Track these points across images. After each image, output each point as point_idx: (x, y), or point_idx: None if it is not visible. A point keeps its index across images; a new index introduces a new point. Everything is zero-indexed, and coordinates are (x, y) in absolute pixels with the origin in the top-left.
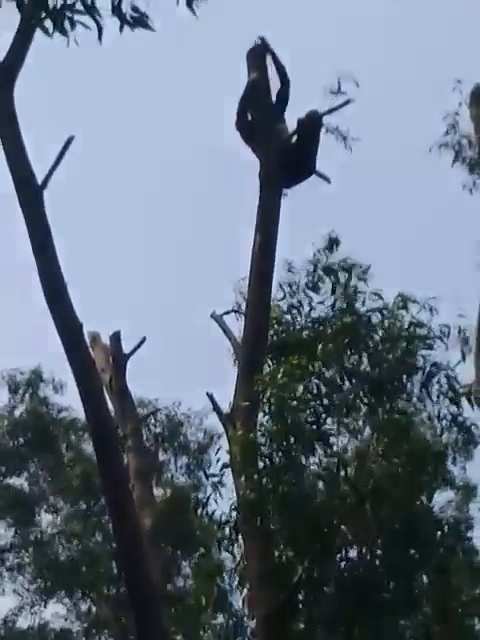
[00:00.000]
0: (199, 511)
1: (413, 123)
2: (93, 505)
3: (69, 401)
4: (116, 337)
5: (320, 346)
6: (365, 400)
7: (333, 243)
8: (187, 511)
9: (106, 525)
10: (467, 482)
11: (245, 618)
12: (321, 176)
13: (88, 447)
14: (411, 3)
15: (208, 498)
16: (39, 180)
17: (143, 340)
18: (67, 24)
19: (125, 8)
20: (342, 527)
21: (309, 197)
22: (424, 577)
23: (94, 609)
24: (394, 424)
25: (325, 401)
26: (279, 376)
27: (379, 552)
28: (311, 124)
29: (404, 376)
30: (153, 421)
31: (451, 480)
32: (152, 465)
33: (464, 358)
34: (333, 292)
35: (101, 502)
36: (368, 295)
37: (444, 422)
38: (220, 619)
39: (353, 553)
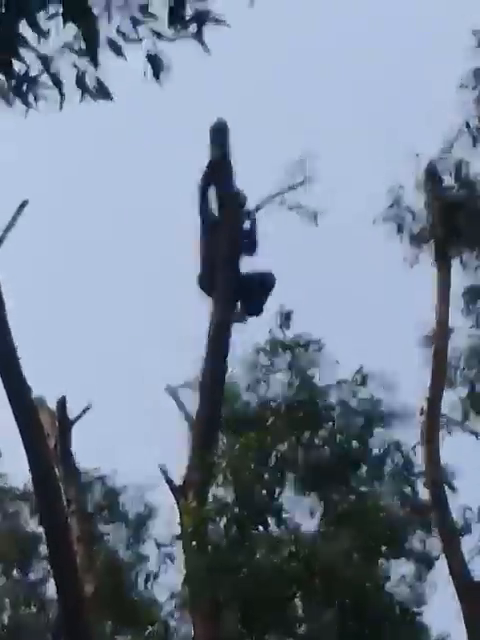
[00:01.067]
0: (147, 583)
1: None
2: (27, 574)
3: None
4: (62, 403)
5: (272, 420)
6: (319, 479)
7: (286, 318)
8: (123, 583)
9: (42, 595)
10: (426, 554)
11: None
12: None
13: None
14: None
15: (157, 571)
16: None
17: (88, 407)
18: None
19: (89, 81)
20: (294, 601)
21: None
22: None
23: None
24: (347, 508)
25: (279, 475)
26: (234, 449)
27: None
28: None
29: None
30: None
31: (408, 552)
32: (93, 532)
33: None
34: (290, 368)
35: (37, 571)
36: (320, 372)
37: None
38: None
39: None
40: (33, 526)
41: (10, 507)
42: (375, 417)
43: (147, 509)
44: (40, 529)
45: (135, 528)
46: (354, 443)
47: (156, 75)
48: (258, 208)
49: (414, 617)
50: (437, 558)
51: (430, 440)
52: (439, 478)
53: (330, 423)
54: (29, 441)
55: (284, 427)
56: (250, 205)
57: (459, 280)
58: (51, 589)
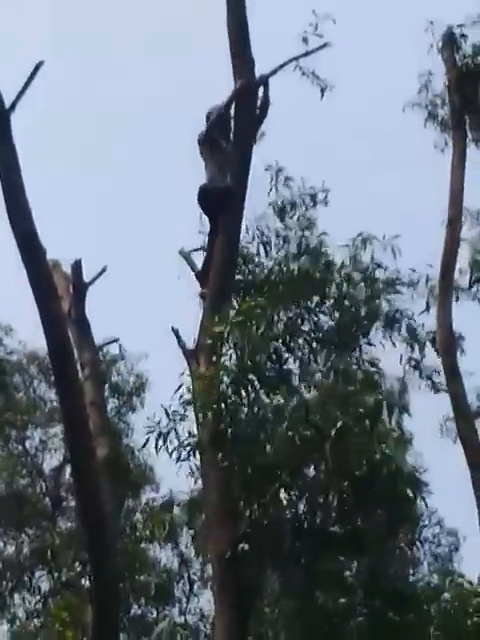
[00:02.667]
0: (158, 445)
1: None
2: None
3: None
4: (77, 266)
5: (280, 286)
6: (327, 345)
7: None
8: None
9: (37, 464)
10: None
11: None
12: None
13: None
14: None
15: (169, 432)
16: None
17: (104, 269)
18: None
19: None
20: (301, 470)
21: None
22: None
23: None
24: (355, 375)
25: (287, 341)
26: (239, 315)
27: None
28: None
29: (365, 321)
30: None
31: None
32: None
33: (428, 308)
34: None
35: (33, 441)
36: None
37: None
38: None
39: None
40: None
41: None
42: (382, 282)
43: (139, 379)
44: (37, 399)
45: (128, 396)
46: (362, 310)
47: None
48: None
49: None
50: None
51: (442, 306)
52: (452, 347)
53: (337, 288)
54: (43, 304)
55: (291, 293)
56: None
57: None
58: (48, 460)
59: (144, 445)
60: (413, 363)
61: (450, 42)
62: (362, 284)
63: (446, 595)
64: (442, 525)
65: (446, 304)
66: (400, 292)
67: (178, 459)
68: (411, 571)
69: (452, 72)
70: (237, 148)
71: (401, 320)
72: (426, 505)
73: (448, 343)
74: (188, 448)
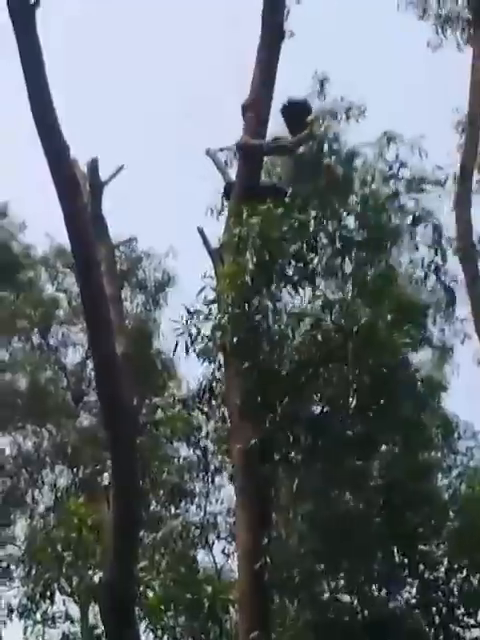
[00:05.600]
0: (186, 349)
1: None
2: (49, 339)
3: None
4: (94, 164)
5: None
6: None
7: (322, 83)
8: (148, 346)
9: (60, 360)
10: (444, 343)
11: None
12: None
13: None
14: None
15: (197, 334)
16: None
17: (121, 168)
18: None
19: None
20: (321, 369)
21: None
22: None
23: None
24: (377, 279)
25: (311, 241)
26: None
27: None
28: None
29: (391, 222)
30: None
31: (429, 339)
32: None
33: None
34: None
35: (58, 337)
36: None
37: (427, 272)
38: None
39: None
40: (51, 290)
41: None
42: (407, 180)
43: (166, 275)
44: (59, 293)
45: (154, 294)
46: (383, 216)
47: None
48: None
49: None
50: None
51: (461, 206)
52: (470, 247)
53: (361, 185)
54: (66, 200)
55: (316, 191)
56: None
57: None
58: (70, 355)
59: (174, 350)
60: (433, 266)
61: None
62: (387, 182)
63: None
64: (477, 438)
65: (464, 207)
66: (425, 190)
67: (204, 360)
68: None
69: None
70: (265, 48)
71: (428, 220)
72: (438, 407)
73: (466, 249)
74: (212, 347)
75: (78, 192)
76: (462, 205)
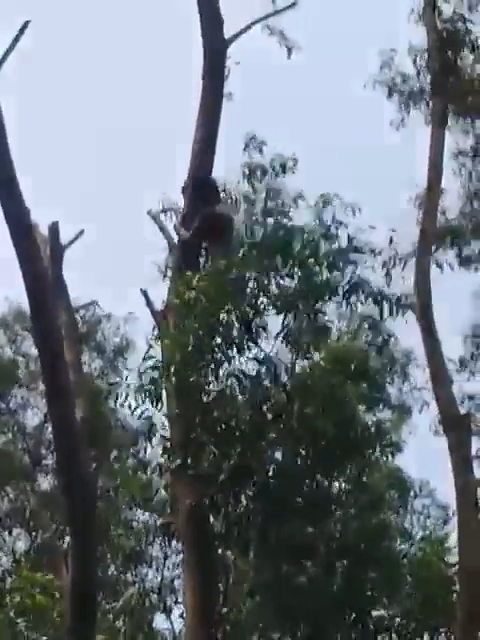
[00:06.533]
0: (122, 404)
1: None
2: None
3: None
4: (54, 228)
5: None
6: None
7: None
8: (105, 410)
9: (19, 423)
10: (402, 403)
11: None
12: None
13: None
14: None
15: (138, 391)
16: None
17: (81, 232)
18: None
19: None
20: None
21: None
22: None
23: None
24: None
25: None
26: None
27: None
28: None
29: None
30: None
31: (386, 400)
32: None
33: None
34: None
35: (16, 399)
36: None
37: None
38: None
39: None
40: (9, 353)
41: None
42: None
43: (124, 340)
44: (18, 357)
45: (112, 358)
46: (325, 273)
47: None
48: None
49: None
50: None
51: (421, 273)
52: (428, 304)
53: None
54: (26, 265)
55: (258, 254)
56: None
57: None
58: (29, 418)
59: (115, 402)
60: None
61: (431, 7)
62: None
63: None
64: (433, 496)
65: (423, 268)
66: (363, 252)
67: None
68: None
69: (433, 37)
70: (205, 113)
71: (364, 283)
72: (387, 459)
73: (424, 310)
74: (157, 407)
75: (38, 256)
76: (422, 272)
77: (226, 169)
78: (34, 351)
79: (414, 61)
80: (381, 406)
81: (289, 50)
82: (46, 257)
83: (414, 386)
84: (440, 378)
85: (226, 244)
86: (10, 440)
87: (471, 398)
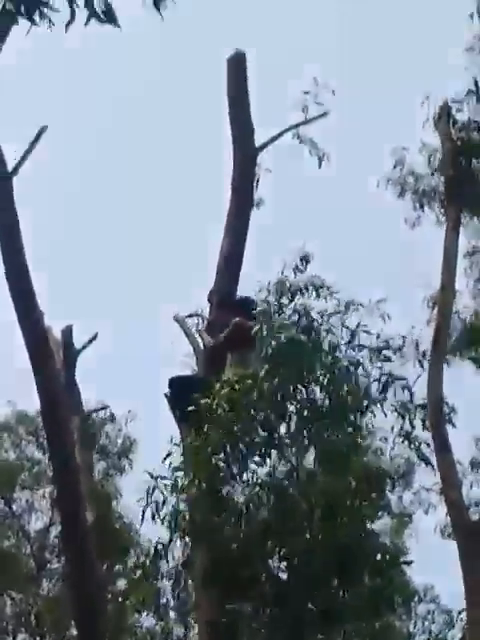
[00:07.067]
0: (147, 513)
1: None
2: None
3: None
4: (68, 331)
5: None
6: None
7: (304, 261)
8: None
9: (24, 526)
10: (402, 510)
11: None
12: None
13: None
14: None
15: (163, 502)
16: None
17: (95, 336)
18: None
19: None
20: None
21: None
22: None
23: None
24: (342, 448)
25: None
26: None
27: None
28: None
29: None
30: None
31: (387, 507)
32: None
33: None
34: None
35: (21, 503)
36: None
37: (396, 439)
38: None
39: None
40: (11, 456)
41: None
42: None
43: (128, 441)
44: (20, 460)
45: (117, 460)
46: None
47: (156, 6)
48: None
49: (400, 565)
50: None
51: (433, 378)
52: (441, 420)
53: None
54: (39, 369)
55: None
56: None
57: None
58: (33, 521)
59: (142, 518)
60: (403, 433)
61: (446, 115)
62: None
63: None
64: (438, 602)
65: (436, 375)
66: (390, 359)
67: (171, 529)
68: None
69: (447, 145)
70: (233, 219)
71: (393, 387)
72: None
73: (437, 417)
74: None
75: (51, 359)
76: (435, 373)
77: (252, 278)
78: (37, 455)
79: (428, 161)
80: (380, 513)
81: (320, 159)
82: (59, 360)
83: (417, 491)
84: (451, 485)
85: (253, 355)
86: (14, 544)
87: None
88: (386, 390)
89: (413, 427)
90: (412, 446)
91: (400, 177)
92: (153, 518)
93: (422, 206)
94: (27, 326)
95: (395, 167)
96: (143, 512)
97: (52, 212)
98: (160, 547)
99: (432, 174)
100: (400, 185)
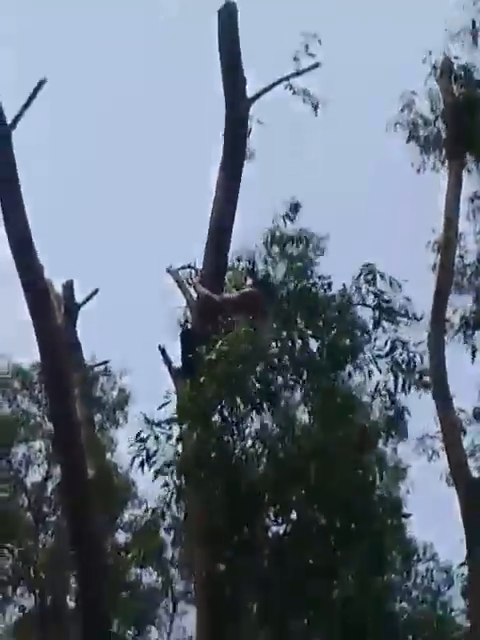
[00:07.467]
0: (142, 465)
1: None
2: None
3: None
4: (69, 286)
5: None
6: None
7: (293, 210)
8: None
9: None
10: (397, 463)
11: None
12: None
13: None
14: None
15: (156, 452)
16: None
17: (95, 291)
18: None
19: None
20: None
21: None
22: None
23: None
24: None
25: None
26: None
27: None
28: None
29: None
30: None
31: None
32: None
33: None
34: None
35: (18, 457)
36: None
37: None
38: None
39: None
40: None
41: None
42: (380, 311)
43: (122, 393)
44: (14, 414)
45: (111, 411)
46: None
47: None
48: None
49: (401, 519)
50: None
51: (436, 331)
52: (443, 373)
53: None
54: (40, 324)
55: (285, 314)
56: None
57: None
58: (31, 474)
59: (131, 463)
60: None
61: (448, 72)
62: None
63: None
64: (436, 559)
65: (439, 323)
66: (398, 323)
67: (158, 478)
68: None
69: (449, 101)
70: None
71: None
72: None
73: (439, 374)
74: (172, 469)
75: (53, 316)
76: (436, 330)
77: (246, 228)
78: (33, 408)
79: (432, 108)
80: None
81: (315, 106)
82: (60, 315)
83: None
84: (453, 443)
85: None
86: (11, 496)
87: None
88: (393, 351)
89: (405, 385)
90: (392, 404)
91: (408, 122)
92: (141, 466)
93: (427, 151)
94: (27, 278)
95: (402, 110)
96: (133, 459)
97: (53, 167)
98: (163, 503)
99: (435, 121)
100: (409, 129)
